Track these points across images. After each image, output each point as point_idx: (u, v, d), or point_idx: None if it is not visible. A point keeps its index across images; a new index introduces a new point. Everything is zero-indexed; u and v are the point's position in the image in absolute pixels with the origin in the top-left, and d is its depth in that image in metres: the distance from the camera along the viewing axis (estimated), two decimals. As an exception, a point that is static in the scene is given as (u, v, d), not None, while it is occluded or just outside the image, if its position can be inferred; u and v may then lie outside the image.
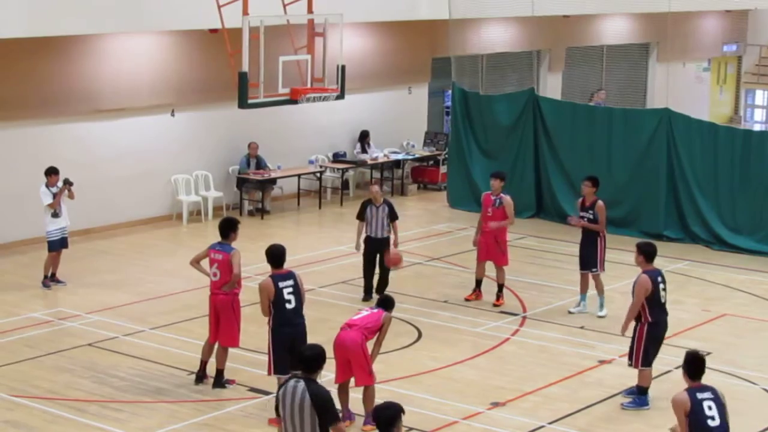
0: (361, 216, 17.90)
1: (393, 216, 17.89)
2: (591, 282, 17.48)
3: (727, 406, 9.83)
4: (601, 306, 17.39)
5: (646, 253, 13.63)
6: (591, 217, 17.21)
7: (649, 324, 13.48)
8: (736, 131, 23.57)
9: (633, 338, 13.68)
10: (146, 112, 23.08)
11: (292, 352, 12.61)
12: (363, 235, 17.95)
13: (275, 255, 13.00)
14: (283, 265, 13.03)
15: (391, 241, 17.82)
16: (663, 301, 13.55)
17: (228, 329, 13.98)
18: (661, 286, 13.51)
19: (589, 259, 17.31)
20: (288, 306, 12.85)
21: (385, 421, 8.23)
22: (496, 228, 17.71)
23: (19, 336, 16.10)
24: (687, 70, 36.46)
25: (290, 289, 12.87)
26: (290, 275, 12.97)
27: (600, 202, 17.22)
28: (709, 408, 9.69)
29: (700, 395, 9.77)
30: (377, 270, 18.01)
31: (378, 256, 17.81)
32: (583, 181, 17.51)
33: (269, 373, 13.21)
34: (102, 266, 19.98)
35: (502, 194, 17.81)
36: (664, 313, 13.65)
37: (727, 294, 19.07)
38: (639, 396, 13.79)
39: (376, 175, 27.30)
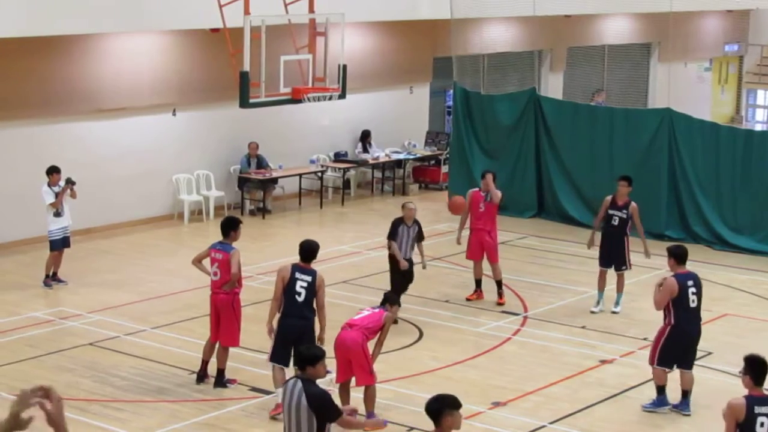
0: (393, 236, 16.72)
1: (420, 237, 16.85)
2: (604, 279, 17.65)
3: None
4: (617, 303, 17.51)
5: (677, 256, 13.46)
6: (624, 216, 17.29)
7: (671, 327, 13.31)
8: (738, 131, 23.59)
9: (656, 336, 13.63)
10: (147, 112, 23.08)
11: (293, 344, 12.61)
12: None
13: (303, 248, 13.21)
14: (309, 261, 13.14)
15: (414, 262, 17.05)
16: (693, 305, 13.29)
17: (228, 329, 13.99)
18: (692, 290, 13.28)
19: (618, 257, 17.40)
20: (298, 298, 12.95)
21: (431, 415, 8.17)
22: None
23: (20, 335, 16.10)
24: (688, 70, 36.44)
25: (304, 284, 12.97)
26: (311, 272, 13.05)
27: (634, 203, 17.38)
28: (761, 425, 9.26)
29: (758, 409, 9.32)
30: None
31: (403, 276, 16.88)
32: (619, 181, 17.60)
33: (268, 360, 13.26)
34: (103, 266, 19.99)
35: (491, 189, 17.77)
36: (693, 318, 13.37)
37: (728, 294, 19.07)
38: (657, 396, 13.67)
39: (377, 174, 27.34)
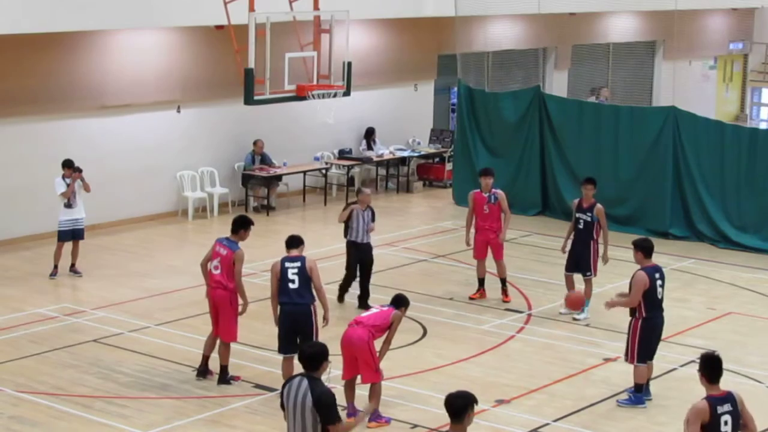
0: (347, 218, 17.46)
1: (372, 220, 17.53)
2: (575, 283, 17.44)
3: (743, 412, 9.33)
4: (583, 309, 17.18)
5: (644, 249, 13.58)
6: (589, 219, 17.08)
7: (644, 319, 13.45)
8: (743, 129, 23.57)
9: (628, 333, 13.67)
10: (152, 109, 23.09)
11: (294, 332, 13.20)
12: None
13: (287, 240, 13.64)
14: (295, 248, 13.50)
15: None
16: (660, 297, 13.48)
17: (226, 324, 13.96)
18: (659, 282, 13.45)
19: (583, 262, 17.19)
20: (291, 285, 13.26)
21: (456, 411, 8.20)
22: (505, 233, 17.86)
23: (25, 332, 16.11)
24: (693, 68, 36.40)
25: (295, 270, 13.29)
26: (299, 258, 13.38)
27: (599, 205, 17.08)
28: (725, 423, 9.16)
29: (720, 408, 9.19)
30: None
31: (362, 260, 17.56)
32: (585, 184, 17.23)
33: (279, 351, 13.57)
34: (107, 262, 20.00)
35: (494, 189, 17.76)
36: (660, 309, 13.57)
37: (732, 292, 19.05)
38: (635, 394, 13.75)
39: (382, 172, 27.36)
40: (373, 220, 17.53)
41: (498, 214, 17.82)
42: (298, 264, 13.31)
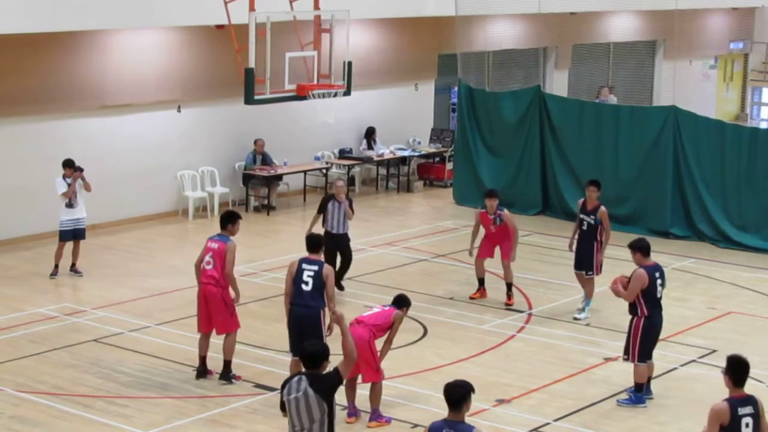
0: (321, 210, 17.79)
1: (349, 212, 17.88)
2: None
3: (764, 417, 9.28)
4: (584, 309, 17.20)
5: (642, 249, 13.57)
6: (592, 221, 17.04)
7: (645, 318, 13.46)
8: (743, 129, 23.58)
9: (629, 333, 13.66)
10: (152, 108, 23.08)
11: (303, 335, 12.79)
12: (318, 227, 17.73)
13: (309, 240, 13.48)
14: (316, 252, 13.35)
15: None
16: (659, 296, 13.49)
17: (221, 316, 13.90)
18: (659, 281, 13.47)
19: (584, 260, 17.18)
20: (304, 287, 13.07)
21: (455, 400, 8.27)
22: (514, 253, 17.75)
23: (25, 332, 16.10)
24: (694, 68, 36.39)
25: (311, 273, 13.11)
26: (318, 263, 13.20)
27: (603, 208, 17.01)
28: (746, 426, 9.12)
29: (741, 410, 9.16)
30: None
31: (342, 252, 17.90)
32: (589, 186, 17.18)
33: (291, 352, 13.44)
34: (108, 262, 20.00)
35: (499, 211, 17.66)
36: (659, 308, 13.57)
37: (733, 292, 19.04)
38: (635, 393, 13.75)
39: (382, 171, 27.37)
40: (352, 210, 17.81)
41: (505, 232, 17.74)
42: (316, 268, 13.12)
